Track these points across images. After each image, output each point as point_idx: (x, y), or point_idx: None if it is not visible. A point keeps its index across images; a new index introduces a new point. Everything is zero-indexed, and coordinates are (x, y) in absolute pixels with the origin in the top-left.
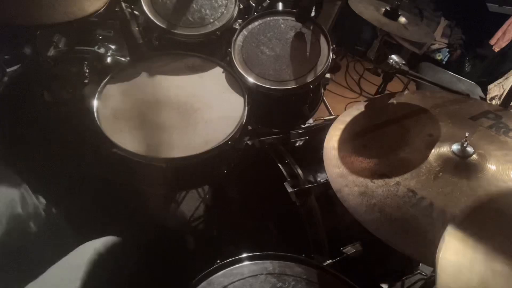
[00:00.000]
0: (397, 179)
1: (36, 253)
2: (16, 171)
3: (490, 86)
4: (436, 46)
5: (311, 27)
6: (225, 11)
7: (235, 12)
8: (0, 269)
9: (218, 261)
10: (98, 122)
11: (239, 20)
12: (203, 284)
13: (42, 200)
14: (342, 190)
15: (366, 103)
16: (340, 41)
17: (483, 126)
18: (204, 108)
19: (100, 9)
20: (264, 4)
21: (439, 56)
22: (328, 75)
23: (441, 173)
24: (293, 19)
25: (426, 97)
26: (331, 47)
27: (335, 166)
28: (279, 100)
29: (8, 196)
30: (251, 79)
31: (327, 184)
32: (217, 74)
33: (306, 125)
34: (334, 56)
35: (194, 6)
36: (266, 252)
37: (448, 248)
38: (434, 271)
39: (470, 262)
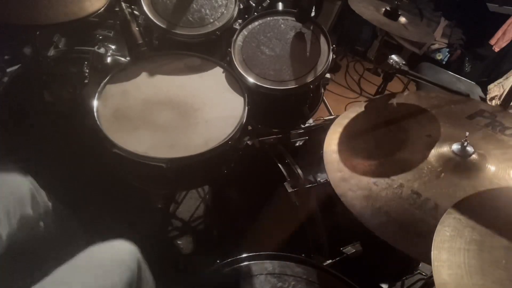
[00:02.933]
0: (400, 181)
1: (44, 252)
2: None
3: (490, 86)
4: (436, 46)
5: (311, 27)
6: (225, 11)
7: (235, 12)
8: (8, 268)
9: (218, 261)
10: (98, 122)
11: (239, 20)
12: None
13: (48, 201)
14: (346, 195)
15: (364, 105)
16: (340, 41)
17: (479, 125)
18: (204, 108)
19: (100, 9)
20: (264, 4)
21: (439, 56)
22: (328, 75)
23: (443, 174)
24: (293, 19)
25: (421, 97)
26: (331, 47)
27: (336, 170)
28: (279, 100)
29: (18, 195)
30: (251, 79)
31: (327, 184)
32: (217, 74)
33: (306, 125)
34: (334, 56)
35: (194, 6)
36: (266, 252)
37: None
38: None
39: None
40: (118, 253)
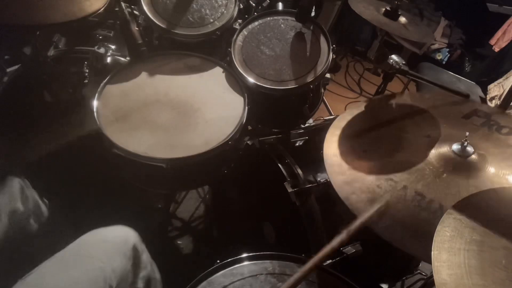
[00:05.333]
0: (404, 183)
1: (36, 250)
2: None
3: (490, 86)
4: (436, 46)
5: (311, 27)
6: (225, 11)
7: (235, 12)
8: (2, 267)
9: (218, 261)
10: (98, 122)
11: (239, 20)
12: (203, 284)
13: (38, 199)
14: (350, 198)
15: (364, 106)
16: (340, 41)
17: (476, 124)
18: (204, 108)
19: (100, 9)
20: (264, 4)
21: (439, 56)
22: (328, 75)
23: (444, 174)
24: (293, 19)
25: (417, 98)
26: (331, 47)
27: (338, 173)
28: (279, 100)
29: (8, 189)
30: (251, 79)
31: (327, 184)
32: (217, 74)
33: (306, 125)
34: (334, 56)
35: (194, 6)
36: (266, 252)
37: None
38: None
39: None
40: (110, 240)
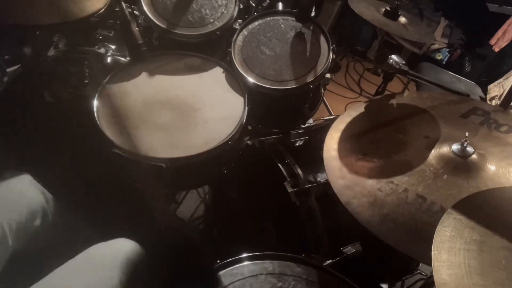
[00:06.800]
0: (404, 185)
1: (47, 253)
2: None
3: (490, 86)
4: (436, 46)
5: (311, 27)
6: (225, 11)
7: (235, 12)
8: (11, 271)
9: (218, 261)
10: (98, 122)
11: (239, 20)
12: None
13: (58, 214)
14: (351, 203)
15: (364, 106)
16: (340, 41)
17: (474, 123)
18: (204, 108)
19: (101, 9)
20: (264, 4)
21: (439, 56)
22: (328, 75)
23: (445, 176)
24: (293, 19)
25: (414, 98)
26: (331, 47)
27: (339, 177)
28: (279, 100)
29: (32, 208)
30: (251, 79)
31: (327, 184)
32: (217, 74)
33: (306, 125)
34: (334, 56)
35: (194, 6)
36: (266, 252)
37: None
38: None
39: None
40: (105, 254)
